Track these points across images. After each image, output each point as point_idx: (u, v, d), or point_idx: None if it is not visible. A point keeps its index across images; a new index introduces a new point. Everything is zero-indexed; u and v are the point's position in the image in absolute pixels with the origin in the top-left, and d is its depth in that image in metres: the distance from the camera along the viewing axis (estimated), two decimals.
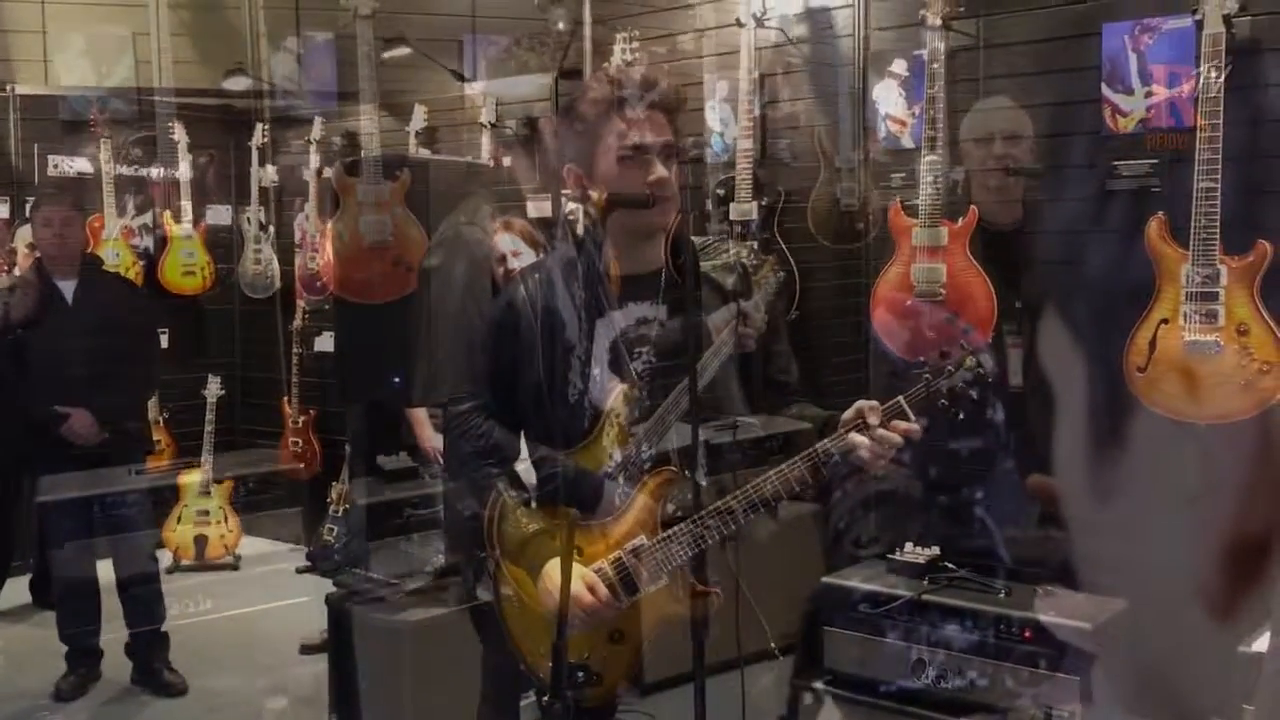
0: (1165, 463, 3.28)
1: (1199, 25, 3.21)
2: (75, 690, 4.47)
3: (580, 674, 2.19)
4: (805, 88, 4.54)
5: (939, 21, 3.66)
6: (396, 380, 4.23)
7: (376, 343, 4.44)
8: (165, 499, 5.77)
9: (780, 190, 4.41)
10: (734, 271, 2.32)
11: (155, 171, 6.19)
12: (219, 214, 6.42)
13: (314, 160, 6.00)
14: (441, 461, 4.05)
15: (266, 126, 6.27)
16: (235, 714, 4.42)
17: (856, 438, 2.08)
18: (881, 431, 2.08)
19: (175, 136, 6.08)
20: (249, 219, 6.35)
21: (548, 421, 2.26)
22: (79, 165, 6.05)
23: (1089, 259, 3.64)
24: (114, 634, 4.55)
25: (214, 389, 5.96)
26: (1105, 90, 3.70)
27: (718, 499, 2.12)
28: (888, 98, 4.28)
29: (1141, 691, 3.09)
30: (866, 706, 3.33)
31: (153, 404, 5.60)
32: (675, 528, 2.14)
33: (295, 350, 6.03)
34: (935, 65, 3.67)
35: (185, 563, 5.86)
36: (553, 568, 2.15)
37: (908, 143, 4.20)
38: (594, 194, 2.15)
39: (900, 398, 2.10)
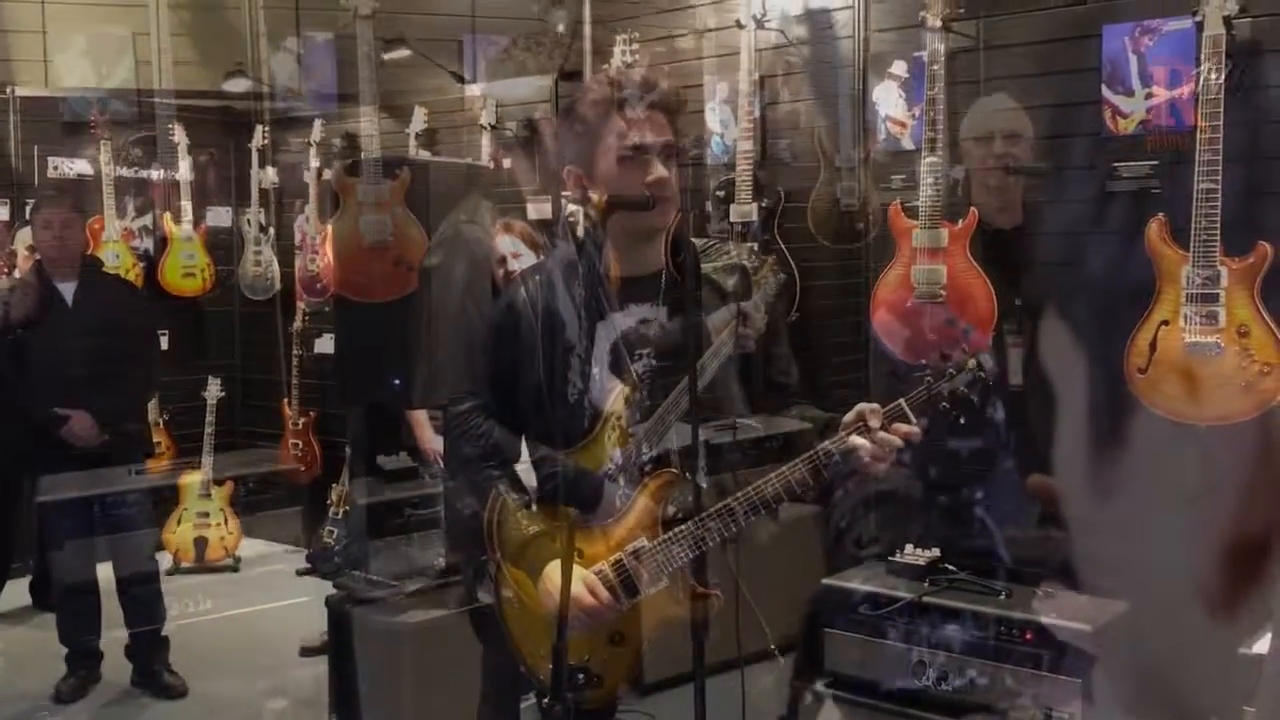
0: (1166, 464, 3.28)
1: (1199, 27, 3.21)
2: (75, 692, 4.47)
3: (580, 676, 2.18)
4: (805, 89, 4.54)
5: (939, 23, 3.66)
6: (397, 383, 4.24)
7: (376, 344, 4.44)
8: (165, 500, 5.77)
9: (780, 192, 4.41)
10: (734, 273, 2.32)
11: (155, 173, 6.20)
12: (219, 216, 6.42)
13: (314, 162, 6.01)
14: (441, 463, 4.05)
15: (266, 128, 6.28)
16: (235, 716, 4.42)
17: (857, 440, 2.08)
18: (883, 434, 2.07)
19: (175, 138, 6.08)
20: (249, 221, 6.35)
21: (548, 422, 2.26)
22: (79, 167, 6.05)
23: (1089, 260, 3.64)
24: (114, 636, 4.55)
25: (214, 391, 5.96)
26: (1105, 92, 3.70)
27: (718, 500, 2.12)
28: (888, 99, 4.28)
29: (1142, 693, 3.08)
30: (867, 708, 3.33)
31: (153, 406, 5.60)
32: (676, 529, 2.14)
33: (295, 352, 6.03)
34: (935, 67, 3.67)
35: (185, 565, 5.86)
36: (553, 569, 2.15)
37: (908, 144, 4.20)
38: (594, 196, 2.15)
39: (901, 400, 2.10)
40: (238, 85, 6.15)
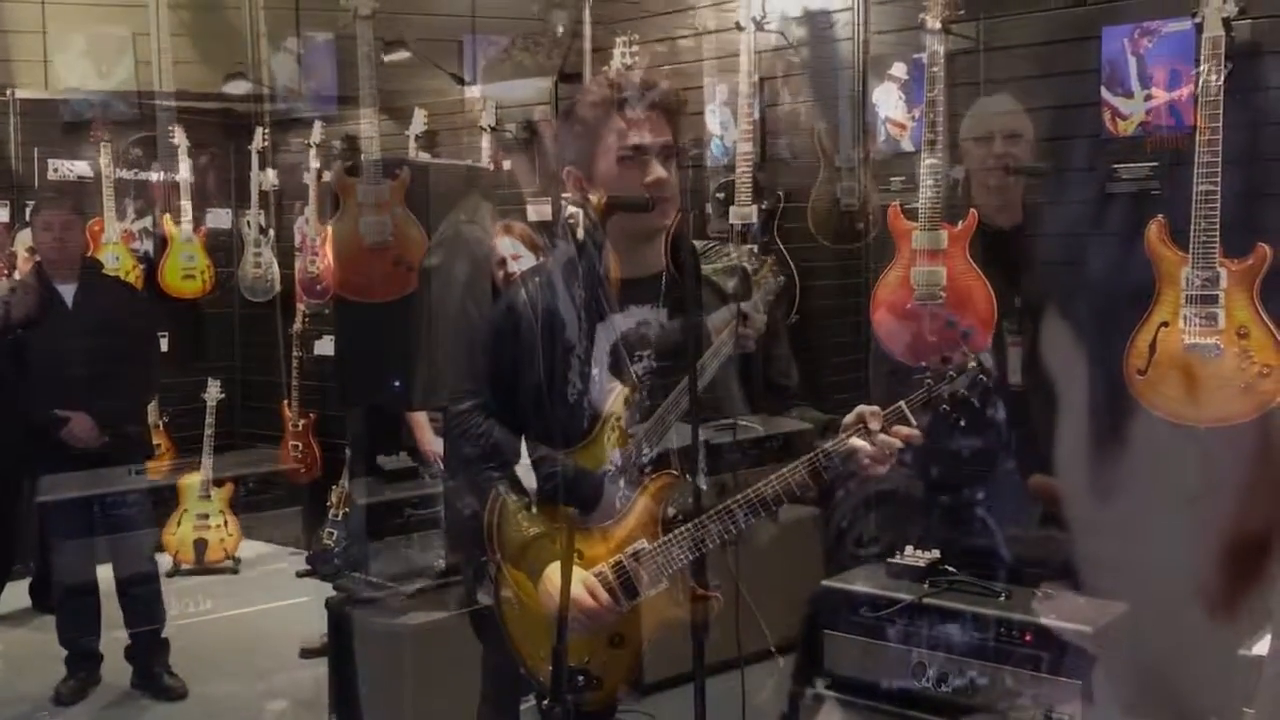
0: (1165, 465, 3.28)
1: (1198, 28, 3.21)
2: (75, 694, 4.46)
3: (580, 678, 2.19)
4: (805, 91, 4.54)
5: (938, 25, 3.66)
6: (397, 384, 4.24)
7: (376, 346, 4.44)
8: (165, 502, 5.77)
9: (780, 193, 4.41)
10: (734, 275, 2.32)
11: (155, 175, 6.20)
12: (219, 217, 6.42)
13: (314, 163, 6.01)
14: (441, 464, 4.05)
15: (266, 130, 6.28)
16: (235, 718, 4.42)
17: (857, 442, 2.08)
18: (883, 436, 2.07)
19: (175, 140, 6.08)
20: (249, 222, 6.35)
21: (548, 423, 2.26)
22: (79, 169, 6.05)
23: (1089, 262, 3.64)
24: (114, 638, 4.55)
25: (214, 392, 5.96)
26: (1105, 93, 3.70)
27: (718, 501, 2.12)
28: (887, 101, 4.28)
29: (1142, 694, 3.08)
30: (867, 709, 3.33)
31: (153, 407, 5.60)
32: (676, 531, 2.14)
33: (295, 354, 6.03)
34: (935, 68, 3.67)
35: (185, 566, 5.86)
36: (553, 571, 2.14)
37: (907, 146, 4.20)
38: (594, 197, 2.15)
39: (902, 402, 2.10)
40: (238, 87, 6.15)
